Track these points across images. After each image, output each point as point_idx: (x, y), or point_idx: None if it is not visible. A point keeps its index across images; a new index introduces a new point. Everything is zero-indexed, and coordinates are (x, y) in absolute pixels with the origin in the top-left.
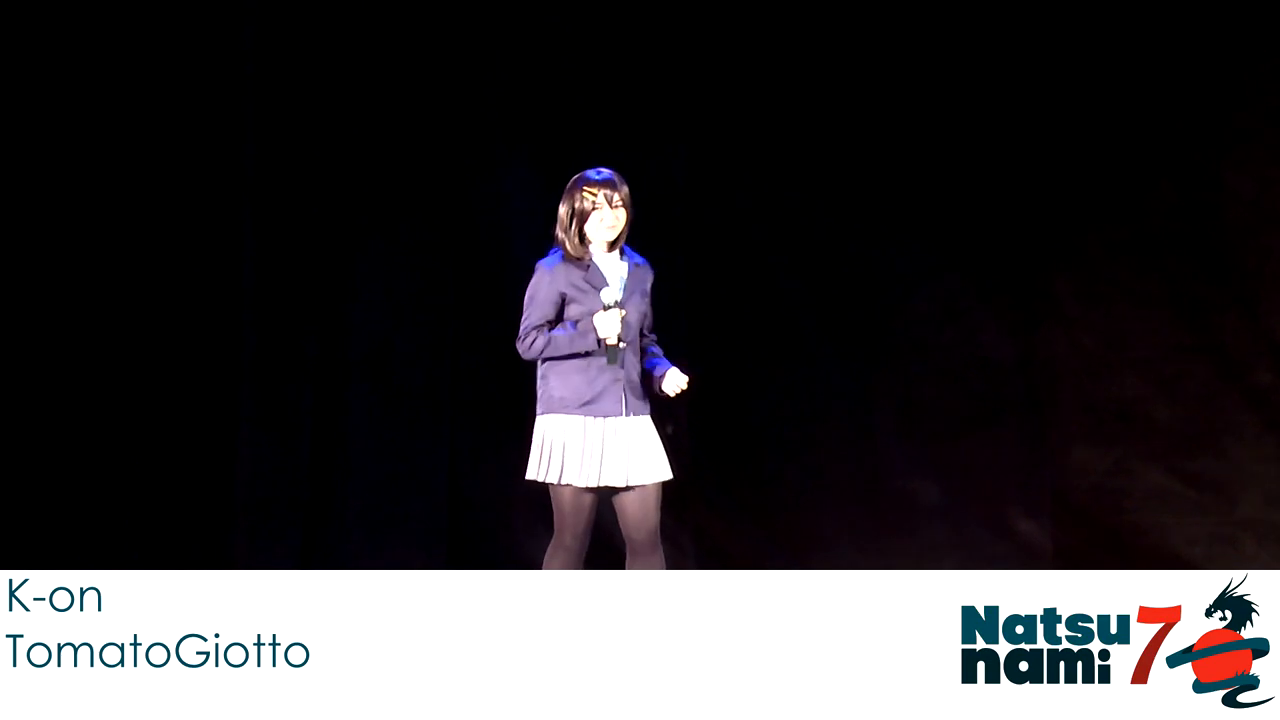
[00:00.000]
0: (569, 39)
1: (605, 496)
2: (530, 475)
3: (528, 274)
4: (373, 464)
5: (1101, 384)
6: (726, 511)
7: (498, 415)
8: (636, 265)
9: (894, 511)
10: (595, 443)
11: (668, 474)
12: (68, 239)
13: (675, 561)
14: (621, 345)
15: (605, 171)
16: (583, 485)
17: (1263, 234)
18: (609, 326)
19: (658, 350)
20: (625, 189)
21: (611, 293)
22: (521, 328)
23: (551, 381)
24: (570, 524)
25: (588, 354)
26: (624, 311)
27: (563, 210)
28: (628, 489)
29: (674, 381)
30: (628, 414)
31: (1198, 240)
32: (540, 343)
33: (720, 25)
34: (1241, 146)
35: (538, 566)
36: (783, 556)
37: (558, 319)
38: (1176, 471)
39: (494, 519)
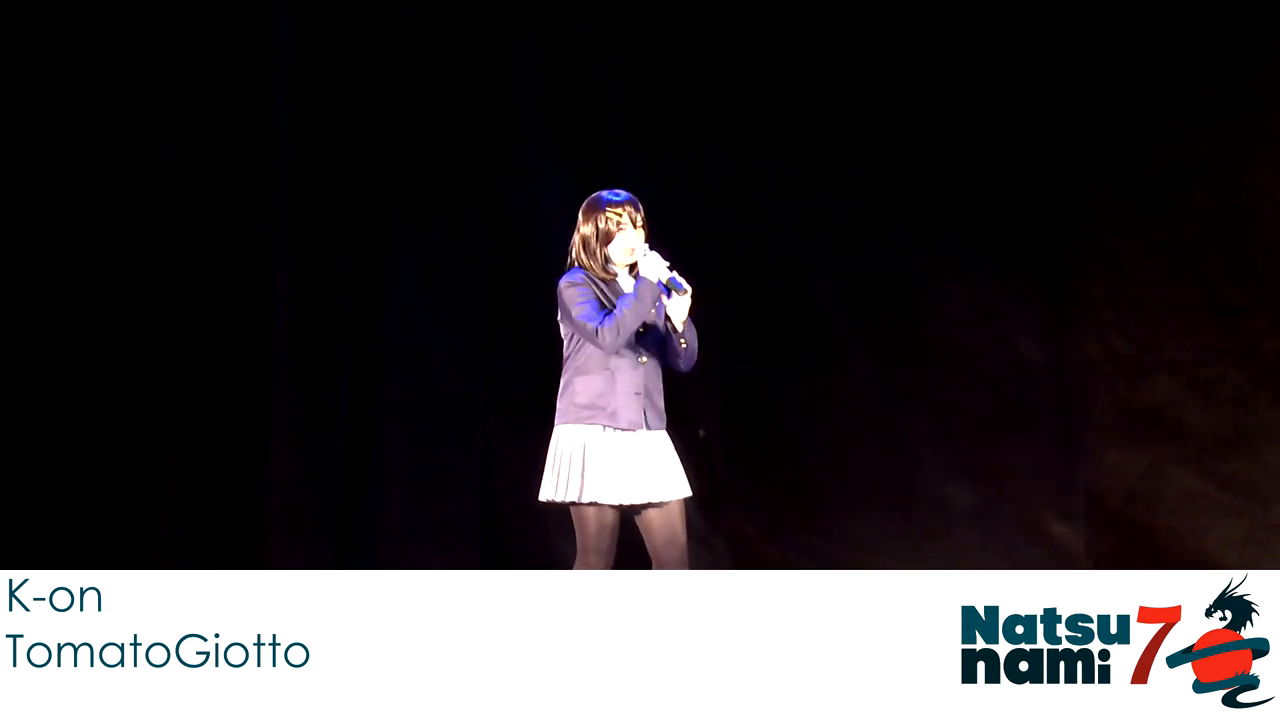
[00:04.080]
0: (601, 40)
1: (628, 516)
2: (545, 496)
3: (555, 280)
4: (406, 468)
5: (1135, 387)
6: (760, 515)
7: (532, 419)
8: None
9: (927, 515)
10: (618, 455)
11: (685, 491)
12: (91, 237)
13: (711, 566)
14: (678, 280)
15: (622, 193)
16: (605, 502)
17: None
18: (656, 266)
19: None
20: (640, 207)
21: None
22: (593, 325)
23: (576, 387)
24: (594, 544)
25: (641, 332)
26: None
27: (586, 232)
28: (651, 507)
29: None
30: (649, 427)
31: (1231, 244)
32: (613, 324)
33: (753, 26)
34: (1275, 149)
35: (571, 568)
36: (816, 560)
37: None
38: (1210, 475)
39: (528, 522)
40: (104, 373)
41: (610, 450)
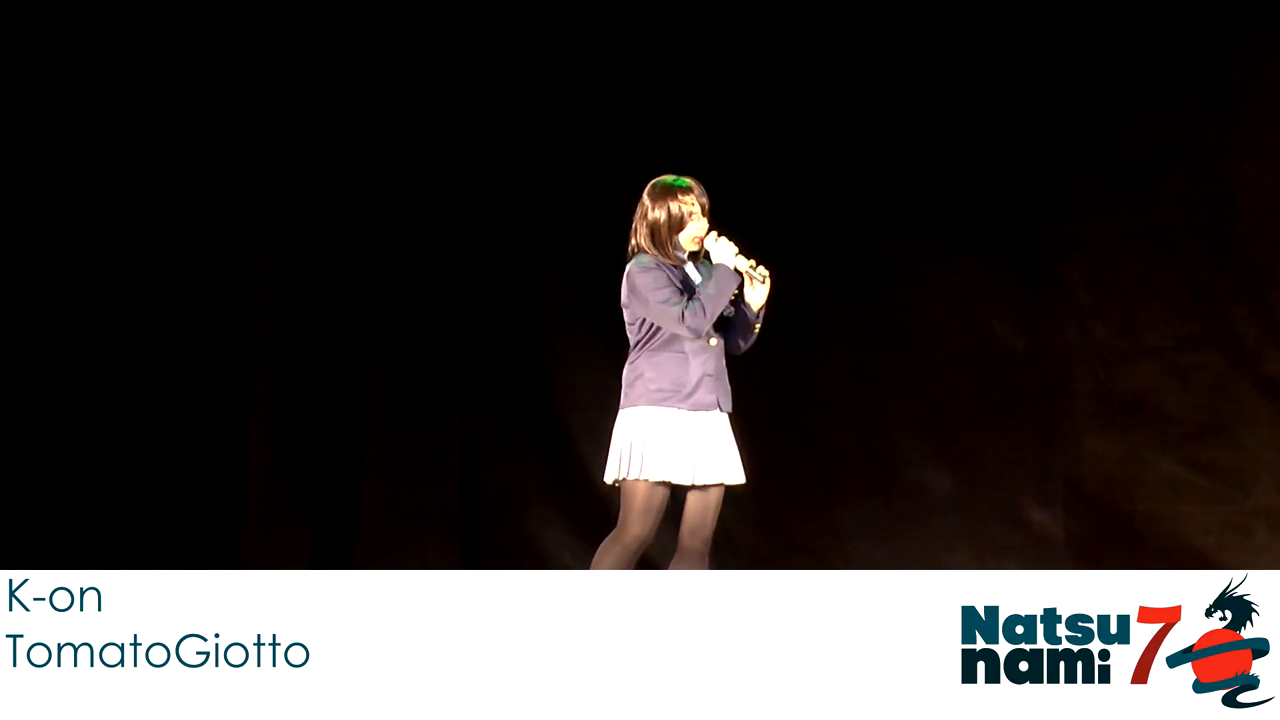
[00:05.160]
0: (570, 42)
1: (676, 495)
2: (611, 477)
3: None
4: (385, 454)
5: (1114, 374)
6: (739, 503)
7: (511, 406)
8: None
9: (906, 502)
10: (685, 437)
11: (739, 478)
12: (73, 234)
13: None
14: (752, 262)
15: (688, 179)
16: (659, 480)
17: (1275, 224)
18: (728, 252)
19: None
20: (706, 195)
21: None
22: (677, 310)
23: (650, 371)
24: (637, 523)
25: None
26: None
27: (656, 217)
28: (693, 488)
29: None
30: (721, 409)
31: (1210, 230)
32: (698, 307)
33: (733, 8)
34: (1254, 136)
35: (553, 561)
36: (796, 547)
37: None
38: (1189, 461)
39: (507, 509)
40: (81, 358)
41: (684, 431)
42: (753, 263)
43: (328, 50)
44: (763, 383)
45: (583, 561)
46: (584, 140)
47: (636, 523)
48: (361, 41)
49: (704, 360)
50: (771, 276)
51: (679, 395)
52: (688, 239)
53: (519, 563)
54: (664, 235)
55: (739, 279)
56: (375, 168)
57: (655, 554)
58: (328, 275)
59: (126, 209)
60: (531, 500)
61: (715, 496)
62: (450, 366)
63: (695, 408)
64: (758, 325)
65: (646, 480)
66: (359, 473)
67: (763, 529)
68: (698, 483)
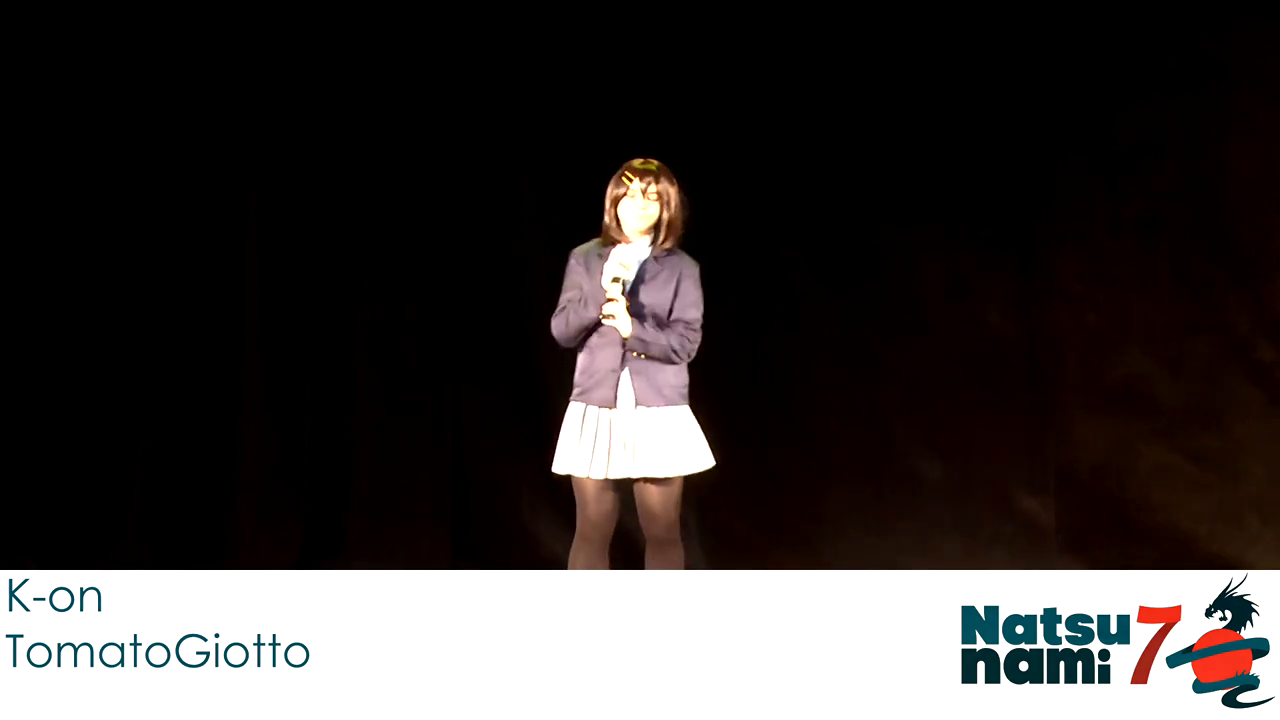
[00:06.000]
0: (565, 30)
1: (627, 490)
2: (555, 467)
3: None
4: (376, 443)
5: (1105, 361)
6: (729, 490)
7: (503, 395)
8: (667, 254)
9: (897, 490)
10: (603, 432)
11: (685, 468)
12: (63, 228)
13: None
14: (619, 287)
15: (654, 162)
16: (584, 475)
17: (1266, 212)
18: (610, 268)
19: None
20: (666, 183)
21: (618, 256)
22: (557, 311)
23: (576, 364)
24: (583, 515)
25: (598, 324)
26: (626, 270)
27: (608, 192)
28: (642, 482)
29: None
30: (637, 405)
31: (1201, 218)
32: (562, 318)
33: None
34: (1245, 124)
35: (543, 550)
36: (786, 534)
37: None
38: (1180, 449)
39: (500, 502)
40: (72, 350)
41: (595, 425)
42: (620, 287)
43: (317, 39)
44: (753, 370)
45: None
46: (577, 128)
47: (584, 516)
48: (352, 27)
49: (610, 356)
50: (741, 257)
51: (583, 390)
52: (626, 217)
53: (510, 552)
54: (609, 213)
55: (606, 297)
56: (366, 158)
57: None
58: (319, 265)
59: (115, 199)
60: (523, 490)
61: (656, 488)
62: (442, 355)
63: (599, 403)
64: (634, 352)
65: (569, 475)
66: (351, 462)
67: (753, 517)
68: (635, 476)
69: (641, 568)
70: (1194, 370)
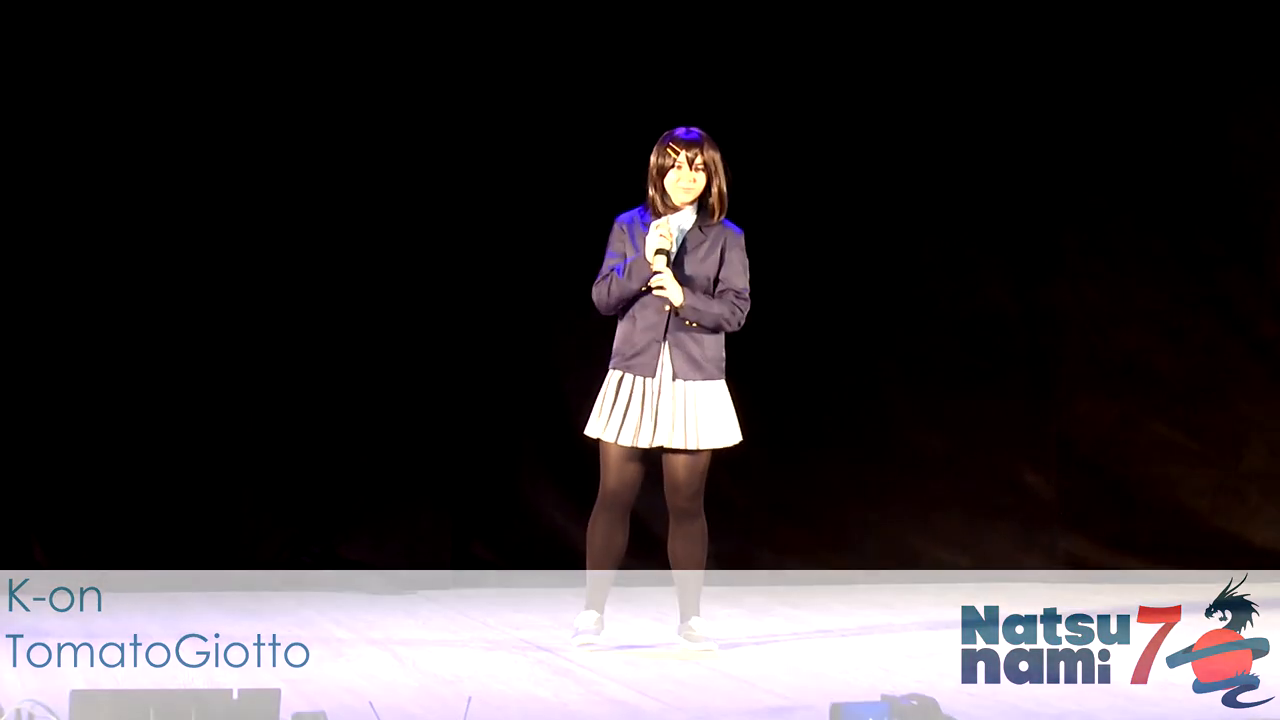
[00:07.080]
0: (562, 27)
1: (655, 460)
2: (586, 430)
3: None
4: (376, 431)
5: (1107, 337)
6: (731, 464)
7: (502, 367)
8: (710, 225)
9: (899, 464)
10: (637, 400)
11: (713, 442)
12: (62, 228)
13: None
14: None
15: (695, 131)
16: (613, 441)
17: (1267, 187)
18: (653, 240)
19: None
20: (711, 152)
21: (659, 228)
22: (599, 279)
23: (616, 332)
24: (605, 482)
25: (640, 294)
26: (668, 241)
27: (651, 163)
28: (669, 452)
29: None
30: (675, 377)
31: (1203, 194)
32: (603, 286)
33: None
34: (1246, 100)
35: (543, 515)
36: (788, 509)
37: None
38: (1182, 424)
39: (499, 470)
40: (72, 351)
41: (632, 393)
42: (664, 259)
43: (314, 33)
44: (756, 346)
45: (574, 521)
46: (580, 114)
47: (606, 482)
48: (355, 18)
49: (654, 324)
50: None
51: (624, 358)
52: (672, 188)
53: (510, 524)
54: (654, 185)
55: (650, 269)
56: (363, 151)
57: (646, 516)
58: (316, 252)
59: (115, 200)
60: (523, 460)
61: (683, 460)
62: (439, 329)
63: (639, 373)
64: (688, 322)
65: (606, 441)
66: (351, 439)
67: (755, 491)
68: (666, 446)
69: (657, 539)
70: (1195, 346)
